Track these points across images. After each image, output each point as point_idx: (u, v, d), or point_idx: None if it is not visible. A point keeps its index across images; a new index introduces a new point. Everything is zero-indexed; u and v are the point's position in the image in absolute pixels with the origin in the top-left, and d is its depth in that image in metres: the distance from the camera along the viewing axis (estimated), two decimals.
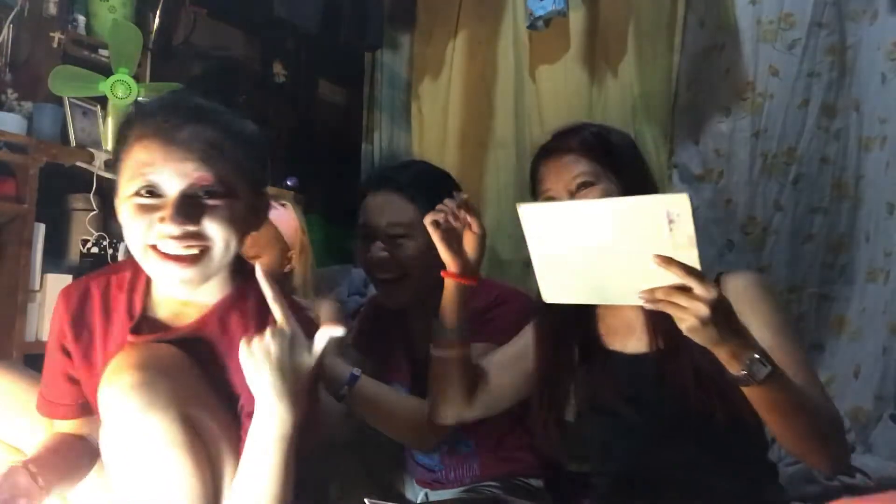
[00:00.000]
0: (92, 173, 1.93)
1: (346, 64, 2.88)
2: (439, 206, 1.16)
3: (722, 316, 0.87)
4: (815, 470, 1.47)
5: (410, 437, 1.36)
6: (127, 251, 2.00)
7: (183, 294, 1.05)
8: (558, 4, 2.23)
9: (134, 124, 1.02)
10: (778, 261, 2.16)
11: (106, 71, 1.89)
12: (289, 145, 2.75)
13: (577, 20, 2.40)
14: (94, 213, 2.00)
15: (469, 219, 1.15)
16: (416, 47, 2.78)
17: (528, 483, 1.39)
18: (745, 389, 0.92)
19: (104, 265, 1.96)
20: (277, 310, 0.98)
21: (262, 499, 0.96)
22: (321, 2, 2.49)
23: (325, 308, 1.65)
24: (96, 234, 1.99)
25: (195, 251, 0.98)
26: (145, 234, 0.98)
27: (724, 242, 2.22)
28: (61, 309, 1.10)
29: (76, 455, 1.09)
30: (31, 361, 1.79)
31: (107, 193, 2.05)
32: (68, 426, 1.14)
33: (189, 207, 0.97)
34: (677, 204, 0.85)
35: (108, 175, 1.96)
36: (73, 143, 1.93)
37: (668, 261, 0.86)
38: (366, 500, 1.02)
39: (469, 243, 1.17)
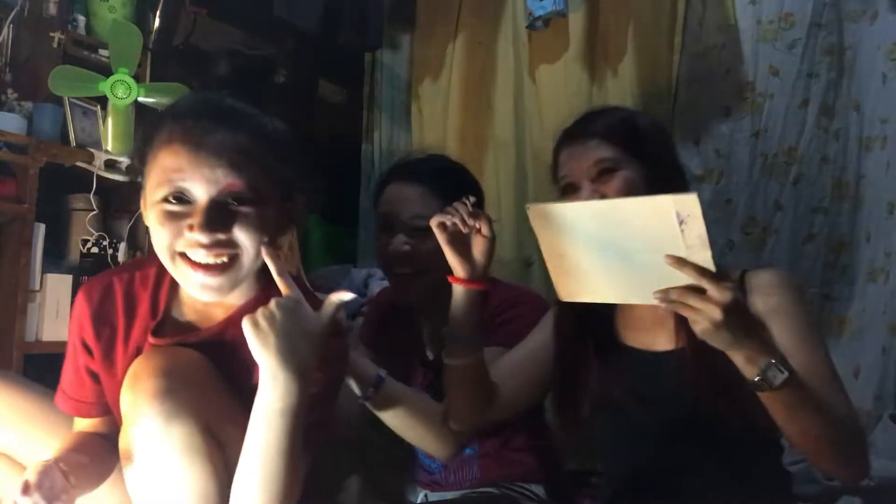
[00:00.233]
0: (92, 173, 1.93)
1: (346, 64, 2.88)
2: (447, 209, 1.12)
3: (736, 319, 0.85)
4: (815, 470, 1.46)
5: (434, 445, 1.30)
6: (127, 251, 2.02)
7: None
8: (558, 5, 2.23)
9: (161, 126, 0.98)
10: (778, 261, 2.16)
11: (106, 71, 1.89)
12: None
13: (576, 20, 2.40)
14: (94, 213, 2.00)
15: (479, 223, 1.11)
16: (416, 47, 2.78)
17: (528, 489, 1.38)
18: (760, 395, 0.90)
19: (104, 265, 1.97)
20: (282, 282, 0.97)
21: (265, 478, 0.93)
22: (321, 2, 2.49)
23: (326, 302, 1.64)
24: (96, 234, 1.99)
25: (224, 259, 0.97)
26: (173, 242, 0.96)
27: (724, 242, 2.22)
28: (82, 305, 1.07)
29: (100, 454, 1.07)
30: (31, 361, 1.79)
31: (107, 193, 2.05)
32: (90, 424, 1.12)
33: (219, 215, 0.95)
34: (687, 204, 0.84)
35: (108, 175, 1.96)
36: (73, 143, 1.93)
37: (681, 261, 0.85)
38: None
39: (478, 247, 1.12)
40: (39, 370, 1.63)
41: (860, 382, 2.04)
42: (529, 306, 1.36)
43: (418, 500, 1.47)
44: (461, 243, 1.12)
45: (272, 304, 0.94)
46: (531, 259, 2.41)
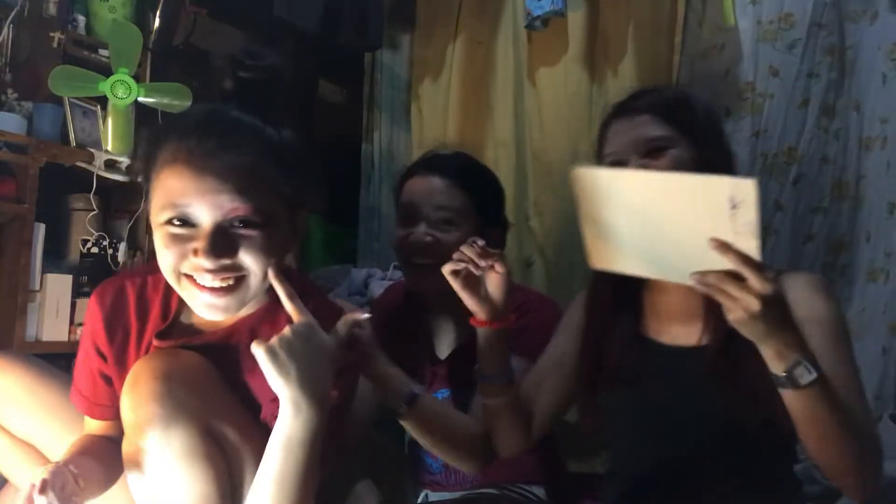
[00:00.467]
0: (92, 173, 1.93)
1: (346, 64, 2.87)
2: (457, 255, 1.10)
3: (774, 312, 0.82)
4: (815, 470, 1.46)
5: (464, 461, 1.28)
6: (126, 251, 2.02)
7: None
8: (556, 5, 2.23)
9: (165, 144, 0.95)
10: (778, 261, 2.16)
11: (106, 71, 1.88)
12: None
13: (576, 20, 2.40)
14: (94, 213, 2.00)
15: (490, 261, 1.09)
16: (416, 47, 2.78)
17: (529, 491, 1.38)
18: (784, 394, 0.87)
19: (104, 265, 1.97)
20: (292, 307, 0.96)
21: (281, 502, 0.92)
22: (321, 2, 2.49)
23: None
24: (96, 234, 1.99)
25: (231, 282, 0.95)
26: (178, 264, 0.95)
27: None
28: (95, 309, 1.06)
29: (108, 459, 1.07)
30: None
31: (107, 193, 2.05)
32: (100, 427, 1.11)
33: (224, 240, 0.93)
34: (743, 189, 0.80)
35: (108, 175, 1.96)
36: (73, 143, 1.93)
37: (726, 247, 0.81)
38: None
39: (494, 285, 1.11)
40: None
41: None
42: (545, 312, 1.36)
43: (419, 500, 1.47)
44: (476, 285, 1.10)
45: (287, 331, 0.93)
46: (531, 259, 2.41)
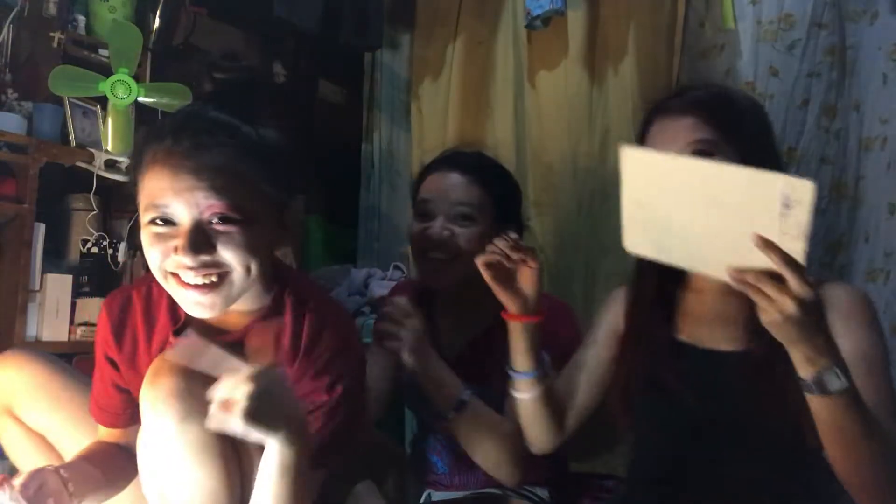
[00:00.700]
0: (92, 173, 1.93)
1: (346, 64, 2.87)
2: (490, 248, 1.12)
3: (810, 318, 0.80)
4: None
5: (504, 473, 1.28)
6: (126, 251, 2.02)
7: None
8: (556, 4, 2.23)
9: (146, 149, 0.99)
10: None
11: (106, 71, 1.89)
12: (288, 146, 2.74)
13: (576, 20, 2.40)
14: (94, 213, 2.00)
15: (523, 256, 1.10)
16: (416, 47, 2.78)
17: (532, 492, 1.38)
18: (810, 400, 0.85)
19: (104, 265, 1.98)
20: (227, 372, 0.89)
21: None
22: (321, 2, 2.49)
23: None
24: (96, 234, 1.99)
25: (214, 278, 0.97)
26: (163, 262, 0.97)
27: None
28: (104, 320, 1.10)
29: (113, 467, 1.08)
30: None
31: (107, 193, 2.05)
32: (111, 434, 1.13)
33: (203, 237, 0.95)
34: (800, 190, 0.77)
35: (108, 175, 1.96)
36: (73, 143, 1.93)
37: (770, 245, 0.78)
38: None
39: (526, 279, 1.12)
40: None
41: None
42: (562, 315, 1.37)
43: (422, 500, 1.47)
44: (508, 278, 1.12)
45: (246, 389, 0.86)
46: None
